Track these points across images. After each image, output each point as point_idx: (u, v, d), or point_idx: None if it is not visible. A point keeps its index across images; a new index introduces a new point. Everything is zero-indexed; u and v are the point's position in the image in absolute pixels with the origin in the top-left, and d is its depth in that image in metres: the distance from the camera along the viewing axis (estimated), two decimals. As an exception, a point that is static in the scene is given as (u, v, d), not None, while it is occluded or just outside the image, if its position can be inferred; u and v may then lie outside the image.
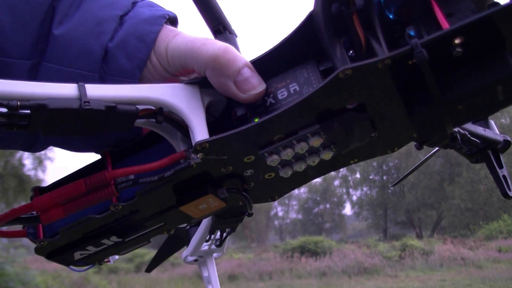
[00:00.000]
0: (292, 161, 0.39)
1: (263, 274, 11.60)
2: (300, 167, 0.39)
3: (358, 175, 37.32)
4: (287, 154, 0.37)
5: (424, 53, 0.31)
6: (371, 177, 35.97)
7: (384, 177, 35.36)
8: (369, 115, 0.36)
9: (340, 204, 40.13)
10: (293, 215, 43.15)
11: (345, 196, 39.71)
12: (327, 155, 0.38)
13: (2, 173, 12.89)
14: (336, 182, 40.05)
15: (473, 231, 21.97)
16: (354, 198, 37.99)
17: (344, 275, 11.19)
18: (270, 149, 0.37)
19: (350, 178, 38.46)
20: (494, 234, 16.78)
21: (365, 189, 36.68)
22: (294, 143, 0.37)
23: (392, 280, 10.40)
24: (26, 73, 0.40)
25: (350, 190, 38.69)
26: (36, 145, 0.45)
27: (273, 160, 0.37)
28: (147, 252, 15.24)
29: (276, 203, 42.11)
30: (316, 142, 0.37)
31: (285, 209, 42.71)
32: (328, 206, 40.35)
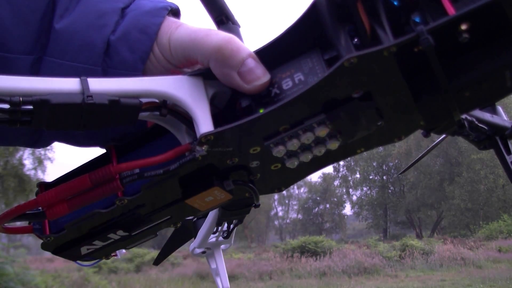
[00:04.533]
0: (298, 152, 0.38)
1: (263, 274, 11.60)
2: (306, 157, 0.38)
3: (358, 175, 37.34)
4: (293, 144, 0.36)
5: (430, 39, 0.30)
6: (371, 177, 35.98)
7: (384, 177, 35.37)
8: (375, 104, 0.35)
9: (340, 204, 40.15)
10: (293, 215, 43.18)
11: (345, 196, 39.75)
12: (334, 145, 0.37)
13: (2, 173, 12.90)
14: (336, 182, 40.08)
15: (473, 231, 21.97)
16: (354, 198, 38.02)
17: (344, 275, 11.18)
18: (275, 140, 0.36)
19: (350, 178, 38.48)
20: (494, 234, 16.78)
21: (365, 189, 36.71)
22: (300, 133, 0.36)
23: (392, 280, 10.39)
24: (28, 68, 0.40)
25: (350, 190, 38.72)
26: (40, 141, 0.45)
27: (279, 151, 0.37)
28: (147, 252, 15.24)
29: (276, 203, 42.17)
30: (322, 132, 0.36)
31: (285, 209, 42.73)
32: (328, 206, 40.35)
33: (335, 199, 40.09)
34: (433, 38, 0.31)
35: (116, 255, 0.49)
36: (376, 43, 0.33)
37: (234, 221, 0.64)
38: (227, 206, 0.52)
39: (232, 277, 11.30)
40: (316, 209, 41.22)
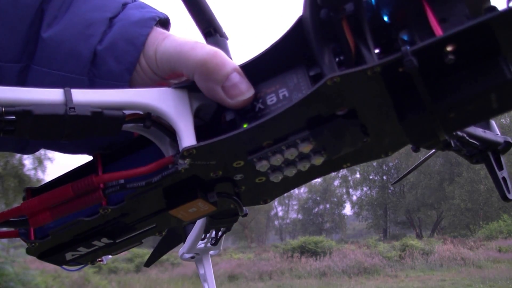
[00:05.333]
0: (282, 166, 0.38)
1: (263, 274, 11.59)
2: (290, 172, 0.38)
3: (358, 175, 37.33)
4: (277, 159, 0.36)
5: (414, 61, 0.30)
6: (371, 177, 35.97)
7: (384, 177, 35.36)
8: (359, 121, 0.35)
9: (340, 204, 40.13)
10: (293, 215, 43.15)
11: (345, 196, 39.72)
12: (318, 161, 0.37)
13: (2, 173, 12.90)
14: (336, 182, 40.06)
15: (473, 231, 21.97)
16: (354, 198, 38.00)
17: (344, 275, 11.18)
18: (259, 155, 0.36)
19: (350, 178, 38.47)
20: (494, 234, 16.77)
21: (365, 189, 36.70)
22: (284, 149, 0.36)
23: (392, 280, 10.39)
24: (15, 76, 0.40)
25: (350, 190, 38.71)
26: (28, 148, 0.46)
27: (262, 165, 0.37)
28: (147, 252, 15.20)
29: (276, 203, 42.10)
30: (306, 148, 0.36)
31: (285, 209, 42.70)
32: (328, 206, 40.34)
33: (335, 199, 40.06)
34: (419, 58, 0.30)
35: (102, 260, 0.49)
36: (360, 62, 0.33)
37: (222, 228, 0.65)
38: (214, 215, 0.53)
39: (232, 277, 11.30)
40: (316, 209, 41.19)
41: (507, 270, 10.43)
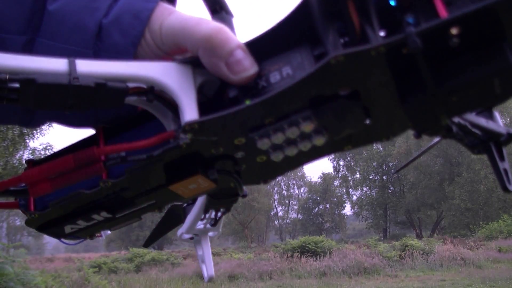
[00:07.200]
0: (283, 145, 0.38)
1: (263, 274, 11.59)
2: (291, 151, 0.38)
3: (358, 175, 37.34)
4: (278, 138, 0.36)
5: (418, 42, 0.30)
6: (371, 177, 35.99)
7: (384, 177, 35.37)
8: (362, 103, 0.35)
9: (340, 204, 40.17)
10: (293, 215, 43.20)
11: (345, 196, 39.76)
12: (319, 141, 0.37)
13: (2, 173, 12.90)
14: (336, 182, 40.07)
15: (473, 231, 21.99)
16: (354, 198, 38.04)
17: (344, 275, 11.18)
18: (260, 132, 0.36)
19: (350, 178, 38.48)
20: (494, 234, 16.79)
21: (365, 189, 36.72)
22: (285, 127, 0.36)
23: (392, 280, 10.39)
24: (20, 48, 0.40)
25: (350, 190, 38.74)
26: (33, 121, 0.46)
27: (263, 143, 0.37)
28: (147, 252, 15.23)
29: (276, 203, 42.17)
30: (307, 127, 0.36)
31: (285, 209, 42.73)
32: (328, 206, 40.36)
33: (335, 199, 40.09)
34: (423, 40, 0.30)
35: (100, 236, 0.49)
36: (365, 43, 0.33)
37: (221, 209, 0.65)
38: (213, 194, 0.52)
39: (232, 277, 11.30)
40: (316, 209, 41.23)
41: (507, 270, 10.44)
